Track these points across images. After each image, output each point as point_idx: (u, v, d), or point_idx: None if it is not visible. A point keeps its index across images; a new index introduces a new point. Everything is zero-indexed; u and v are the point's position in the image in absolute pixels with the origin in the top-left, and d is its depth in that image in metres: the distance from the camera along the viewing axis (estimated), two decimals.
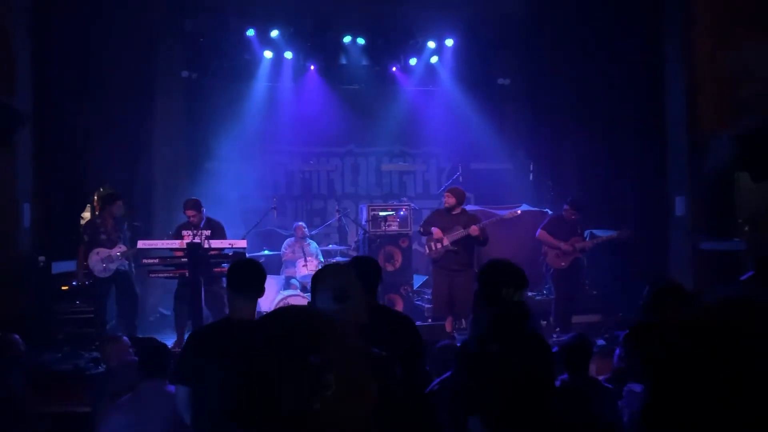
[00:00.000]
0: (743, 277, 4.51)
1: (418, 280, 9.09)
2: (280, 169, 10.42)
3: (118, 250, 7.06)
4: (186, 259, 6.39)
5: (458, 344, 3.65)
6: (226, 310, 3.99)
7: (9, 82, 7.05)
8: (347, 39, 9.90)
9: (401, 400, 2.20)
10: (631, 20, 8.33)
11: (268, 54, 9.83)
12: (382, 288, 7.69)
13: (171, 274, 6.65)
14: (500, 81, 10.37)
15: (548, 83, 9.55)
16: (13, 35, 7.14)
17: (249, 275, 3.18)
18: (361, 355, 2.10)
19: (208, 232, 6.98)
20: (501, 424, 2.75)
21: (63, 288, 7.61)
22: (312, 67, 10.11)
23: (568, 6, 9.03)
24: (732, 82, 7.21)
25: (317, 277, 2.50)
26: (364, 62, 10.14)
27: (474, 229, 7.00)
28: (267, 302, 7.81)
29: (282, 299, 7.53)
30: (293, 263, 8.28)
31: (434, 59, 10.24)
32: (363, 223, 8.56)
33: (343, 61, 10.14)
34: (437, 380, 3.55)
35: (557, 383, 3.49)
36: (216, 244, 6.60)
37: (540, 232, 7.43)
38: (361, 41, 9.94)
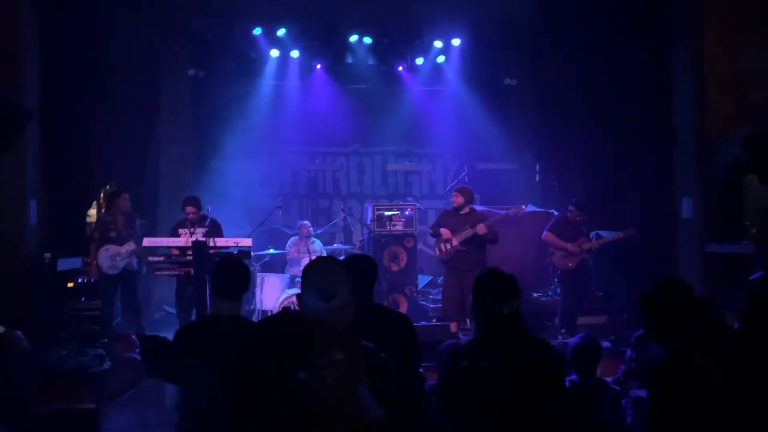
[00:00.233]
0: (752, 277, 4.50)
1: (422, 280, 9.08)
2: (285, 168, 10.42)
3: (128, 248, 7.07)
4: (191, 257, 6.40)
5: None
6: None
7: (18, 79, 7.08)
8: (354, 38, 9.90)
9: (392, 392, 2.18)
10: (638, 22, 8.29)
11: (274, 53, 9.84)
12: (386, 288, 7.79)
13: (176, 272, 6.66)
14: (507, 81, 10.35)
15: (555, 84, 9.51)
16: (21, 33, 7.17)
17: (232, 275, 3.22)
18: (353, 353, 2.09)
19: (204, 230, 7.00)
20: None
21: (68, 285, 7.63)
22: (318, 66, 10.11)
23: (575, 7, 8.99)
24: (740, 84, 7.18)
25: (304, 274, 2.46)
26: (371, 61, 10.13)
27: (481, 228, 6.96)
28: (272, 301, 7.83)
29: (286, 298, 7.54)
30: (298, 262, 8.28)
31: (441, 59, 10.23)
32: (368, 222, 8.55)
33: (350, 60, 10.13)
34: (429, 382, 3.55)
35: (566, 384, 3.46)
36: (221, 242, 6.61)
37: (546, 234, 7.40)
38: (367, 40, 9.93)
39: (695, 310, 2.74)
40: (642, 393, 3.56)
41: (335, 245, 8.87)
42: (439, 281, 9.32)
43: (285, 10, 9.56)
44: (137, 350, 4.27)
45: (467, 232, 7.04)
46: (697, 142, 7.51)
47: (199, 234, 6.98)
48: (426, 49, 10.12)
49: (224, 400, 2.19)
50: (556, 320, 7.58)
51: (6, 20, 7.07)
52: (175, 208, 7.95)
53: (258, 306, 7.93)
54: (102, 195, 8.87)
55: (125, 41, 8.22)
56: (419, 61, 10.21)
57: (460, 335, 6.89)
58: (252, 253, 7.10)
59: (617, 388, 4.04)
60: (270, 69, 9.94)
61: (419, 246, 8.70)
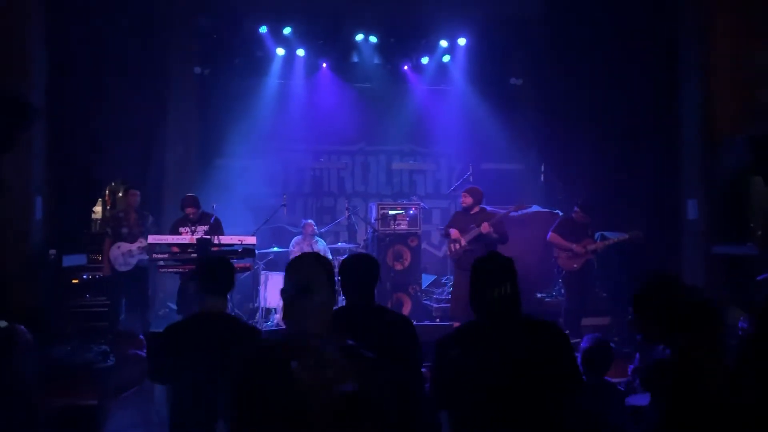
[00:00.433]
0: (760, 278, 4.49)
1: (426, 280, 9.07)
2: (290, 166, 10.43)
3: (139, 245, 7.09)
4: (195, 255, 6.42)
5: None
6: (230, 305, 4.01)
7: (24, 77, 7.11)
8: (359, 37, 9.91)
9: (391, 400, 2.15)
10: (644, 22, 8.27)
11: (280, 51, 9.85)
12: (390, 287, 7.78)
13: (180, 269, 6.68)
14: (512, 81, 10.35)
15: (561, 84, 9.48)
16: (28, 31, 7.20)
17: (218, 273, 3.29)
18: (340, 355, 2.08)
19: (207, 228, 7.01)
20: (480, 423, 2.64)
21: (73, 281, 7.66)
22: (324, 65, 10.12)
23: (582, 7, 8.97)
24: (747, 86, 7.15)
25: (287, 266, 2.44)
26: (376, 60, 10.14)
27: (484, 226, 6.96)
28: (275, 299, 7.83)
29: None
30: None
31: (446, 58, 10.23)
32: (372, 221, 8.55)
33: (355, 59, 10.15)
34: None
35: None
36: (225, 240, 6.62)
37: (551, 235, 7.38)
38: (373, 39, 9.94)
39: (696, 309, 2.72)
40: (640, 402, 3.54)
41: (339, 244, 8.87)
42: (443, 280, 9.33)
43: (291, 9, 9.58)
44: (144, 348, 4.28)
45: (474, 232, 7.05)
46: (703, 143, 7.49)
47: (200, 232, 7.00)
48: (432, 49, 10.12)
49: (215, 397, 2.19)
50: (560, 321, 7.56)
51: (13, 18, 7.10)
52: (180, 206, 7.96)
53: (262, 304, 7.94)
54: (107, 192, 8.89)
55: (131, 39, 8.24)
56: (425, 60, 10.21)
57: None
58: (256, 251, 7.11)
59: (623, 389, 4.03)
60: (276, 67, 9.97)
61: (423, 245, 8.70)
